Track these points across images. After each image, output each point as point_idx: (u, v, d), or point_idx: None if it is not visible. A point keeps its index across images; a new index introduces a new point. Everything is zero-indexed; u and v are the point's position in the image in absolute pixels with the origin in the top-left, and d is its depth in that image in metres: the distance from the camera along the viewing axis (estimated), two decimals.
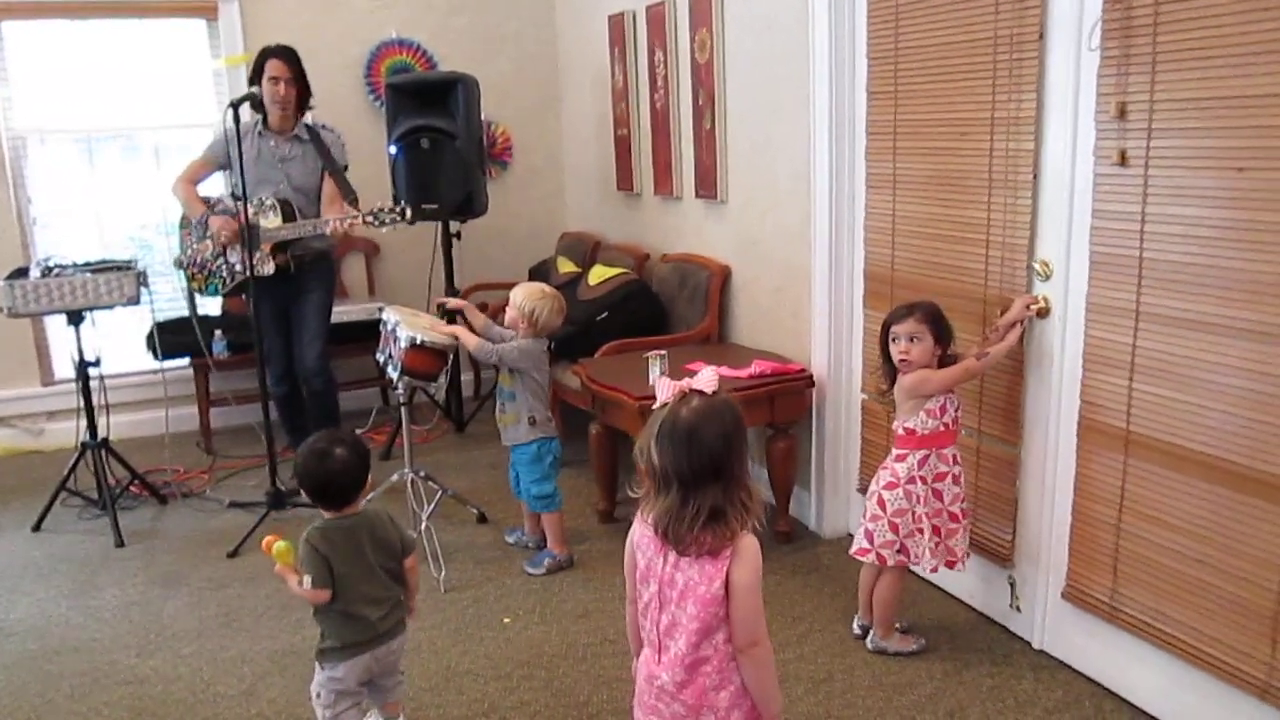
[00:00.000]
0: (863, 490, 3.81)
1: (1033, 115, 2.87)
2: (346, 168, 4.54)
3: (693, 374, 2.01)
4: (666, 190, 4.95)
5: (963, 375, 3.00)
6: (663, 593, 1.97)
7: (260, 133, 4.41)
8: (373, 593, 2.50)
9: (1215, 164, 2.40)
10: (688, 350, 4.22)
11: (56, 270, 4.13)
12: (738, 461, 1.91)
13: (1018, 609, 3.19)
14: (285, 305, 4.51)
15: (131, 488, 4.57)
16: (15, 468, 5.21)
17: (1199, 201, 2.45)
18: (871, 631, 3.16)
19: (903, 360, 2.96)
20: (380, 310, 4.02)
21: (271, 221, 4.23)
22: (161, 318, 5.01)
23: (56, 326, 5.20)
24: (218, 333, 4.92)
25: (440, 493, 4.04)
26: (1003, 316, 2.99)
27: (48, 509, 4.37)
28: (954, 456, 3.02)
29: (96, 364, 4.28)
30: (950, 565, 3.07)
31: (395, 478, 3.98)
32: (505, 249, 6.02)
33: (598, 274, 4.91)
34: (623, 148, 5.36)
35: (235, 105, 3.98)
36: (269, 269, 4.24)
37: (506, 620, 3.44)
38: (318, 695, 2.52)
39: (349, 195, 4.43)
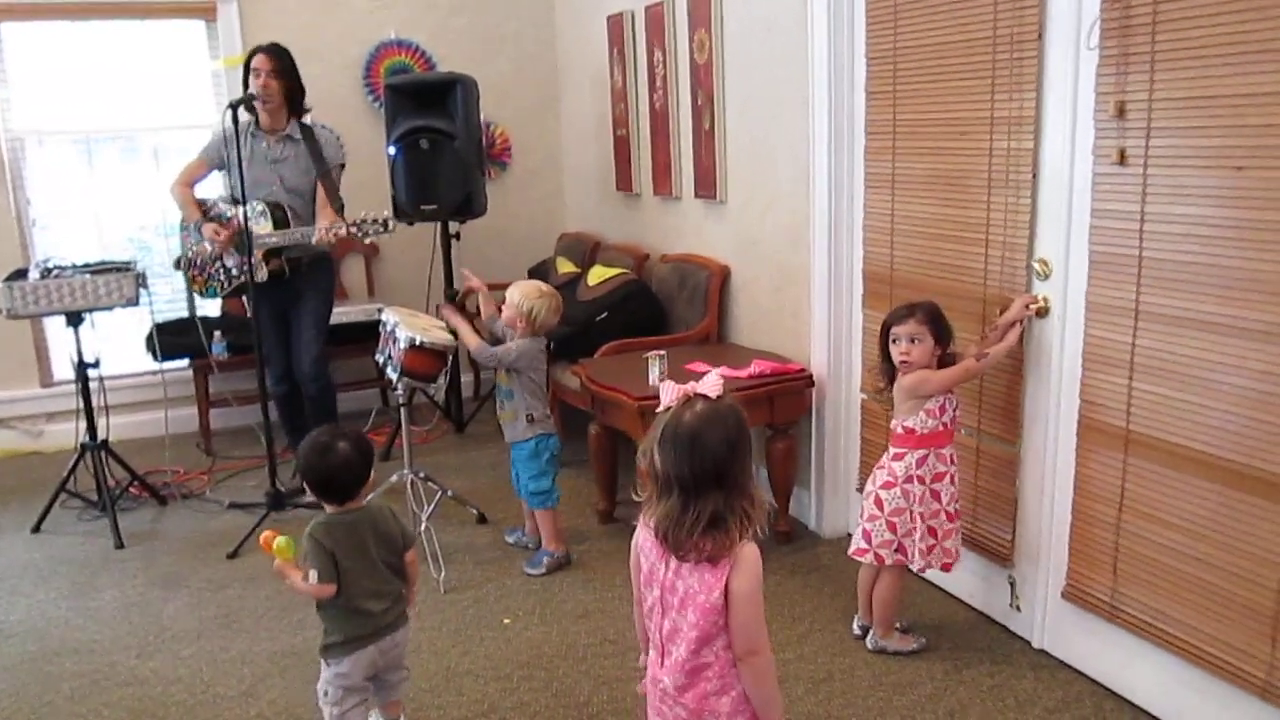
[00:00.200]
0: (862, 490, 3.81)
1: (1032, 114, 2.88)
2: (343, 167, 4.53)
3: (693, 374, 2.01)
4: (666, 190, 4.95)
5: (963, 376, 3.00)
6: (664, 598, 1.97)
7: (253, 133, 4.39)
8: (376, 587, 2.50)
9: (1214, 163, 2.40)
10: (687, 350, 4.22)
11: (55, 272, 4.13)
12: (740, 468, 1.89)
13: (1018, 608, 3.19)
14: (284, 306, 4.51)
15: (131, 489, 4.57)
16: (15, 469, 5.21)
17: (1198, 200, 2.45)
18: (871, 631, 3.16)
19: (903, 361, 2.96)
20: (380, 311, 4.02)
21: (262, 228, 4.21)
22: (160, 319, 5.01)
23: (56, 328, 5.21)
24: (217, 334, 4.93)
25: (440, 493, 4.04)
26: (1002, 316, 2.99)
27: (47, 510, 4.37)
28: (951, 456, 3.02)
29: (96, 365, 4.28)
30: (947, 568, 3.07)
31: (395, 478, 3.98)
32: (504, 249, 6.02)
33: (597, 274, 4.91)
34: (622, 148, 5.36)
35: (234, 106, 3.98)
36: (262, 275, 4.23)
37: (506, 621, 3.44)
38: (325, 693, 2.52)
39: (335, 201, 4.38)
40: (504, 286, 3.85)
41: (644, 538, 2.01)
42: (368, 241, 4.25)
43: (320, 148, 4.41)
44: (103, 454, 4.36)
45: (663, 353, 3.77)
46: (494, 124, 5.99)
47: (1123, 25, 2.56)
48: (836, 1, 3.57)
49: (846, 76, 3.62)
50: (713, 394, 1.91)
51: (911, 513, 2.99)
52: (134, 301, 4.21)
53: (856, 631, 3.23)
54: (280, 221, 4.29)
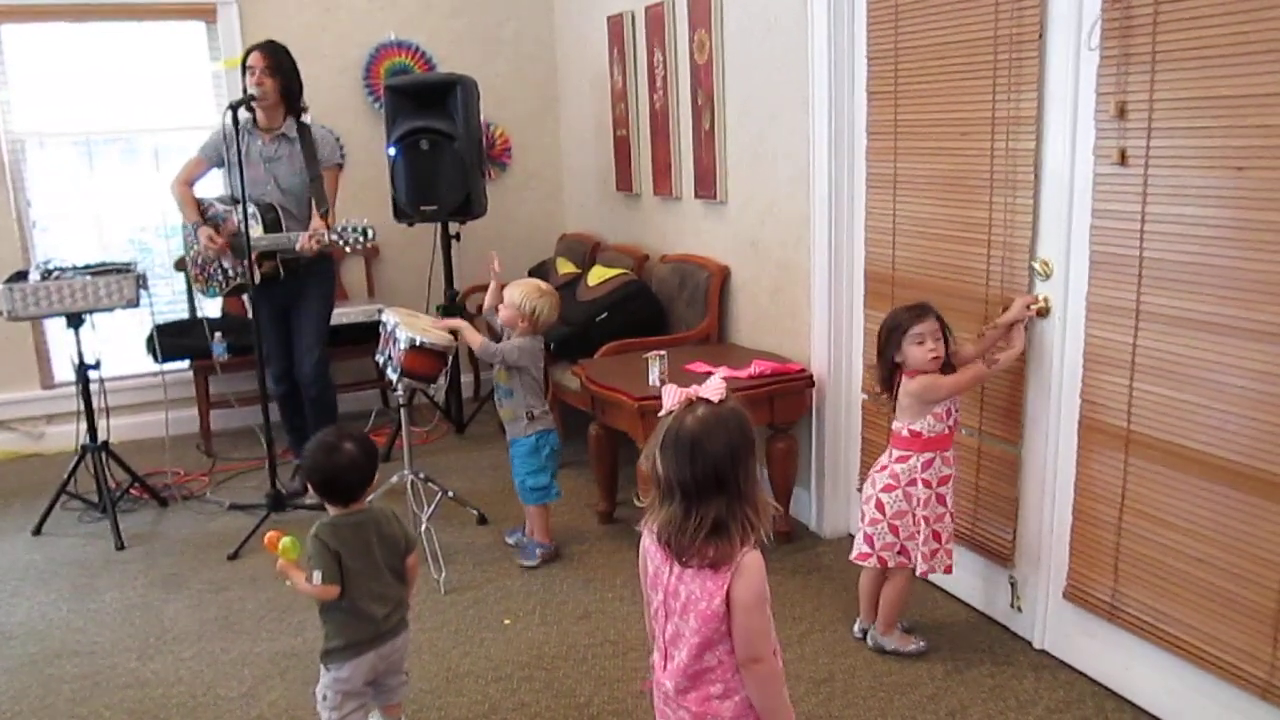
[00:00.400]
0: (861, 490, 3.82)
1: (1033, 114, 2.87)
2: (341, 167, 4.51)
3: (693, 374, 2.00)
4: (666, 191, 4.95)
5: (972, 381, 2.99)
6: (668, 603, 1.96)
7: (250, 131, 4.38)
8: (379, 590, 2.50)
9: (1215, 163, 2.40)
10: (687, 350, 4.22)
11: (56, 273, 4.13)
12: (743, 474, 1.87)
13: (1019, 609, 3.19)
14: (285, 306, 4.50)
15: (132, 490, 4.57)
16: (15, 471, 5.21)
17: (1199, 201, 2.45)
18: (873, 628, 3.16)
19: (934, 359, 2.94)
20: (380, 312, 4.02)
21: (254, 230, 4.20)
22: (161, 320, 5.01)
23: (56, 329, 5.21)
24: (218, 334, 4.92)
25: (440, 494, 4.04)
26: (1002, 315, 2.99)
27: (48, 512, 4.37)
28: (952, 458, 3.02)
29: (96, 366, 4.28)
30: (948, 570, 3.07)
31: (395, 479, 3.98)
32: (504, 250, 5.92)
33: (597, 275, 4.91)
34: (622, 148, 5.36)
35: (234, 107, 3.98)
36: (255, 277, 4.21)
37: (507, 621, 3.43)
38: (323, 698, 2.51)
39: (321, 206, 4.37)
40: (503, 288, 3.85)
41: (650, 541, 2.00)
42: (349, 250, 4.20)
43: (315, 148, 4.40)
44: (103, 455, 4.36)
45: (663, 353, 3.77)
46: (494, 124, 5.99)
47: (1124, 26, 2.56)
48: (836, 1, 3.57)
49: (847, 76, 3.62)
50: (715, 398, 1.89)
51: (914, 515, 2.98)
52: (134, 303, 4.21)
53: (857, 634, 3.23)
54: (271, 224, 4.26)
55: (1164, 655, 2.69)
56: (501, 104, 5.93)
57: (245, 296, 4.45)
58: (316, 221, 4.32)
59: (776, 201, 4.07)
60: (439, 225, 5.28)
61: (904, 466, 2.98)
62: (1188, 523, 2.58)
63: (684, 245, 4.87)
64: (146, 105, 5.48)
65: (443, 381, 3.93)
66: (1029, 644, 3.13)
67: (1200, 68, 2.40)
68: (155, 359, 4.90)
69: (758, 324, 4.32)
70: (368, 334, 4.75)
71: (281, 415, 4.68)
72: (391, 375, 3.76)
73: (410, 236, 5.58)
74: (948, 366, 2.98)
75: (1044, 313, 2.94)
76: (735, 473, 1.85)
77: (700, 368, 3.84)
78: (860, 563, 3.08)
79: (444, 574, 3.69)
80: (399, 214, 5.17)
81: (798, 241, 3.94)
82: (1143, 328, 2.63)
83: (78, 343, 4.20)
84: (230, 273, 4.37)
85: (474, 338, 3.74)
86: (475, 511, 4.27)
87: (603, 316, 4.61)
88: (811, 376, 3.88)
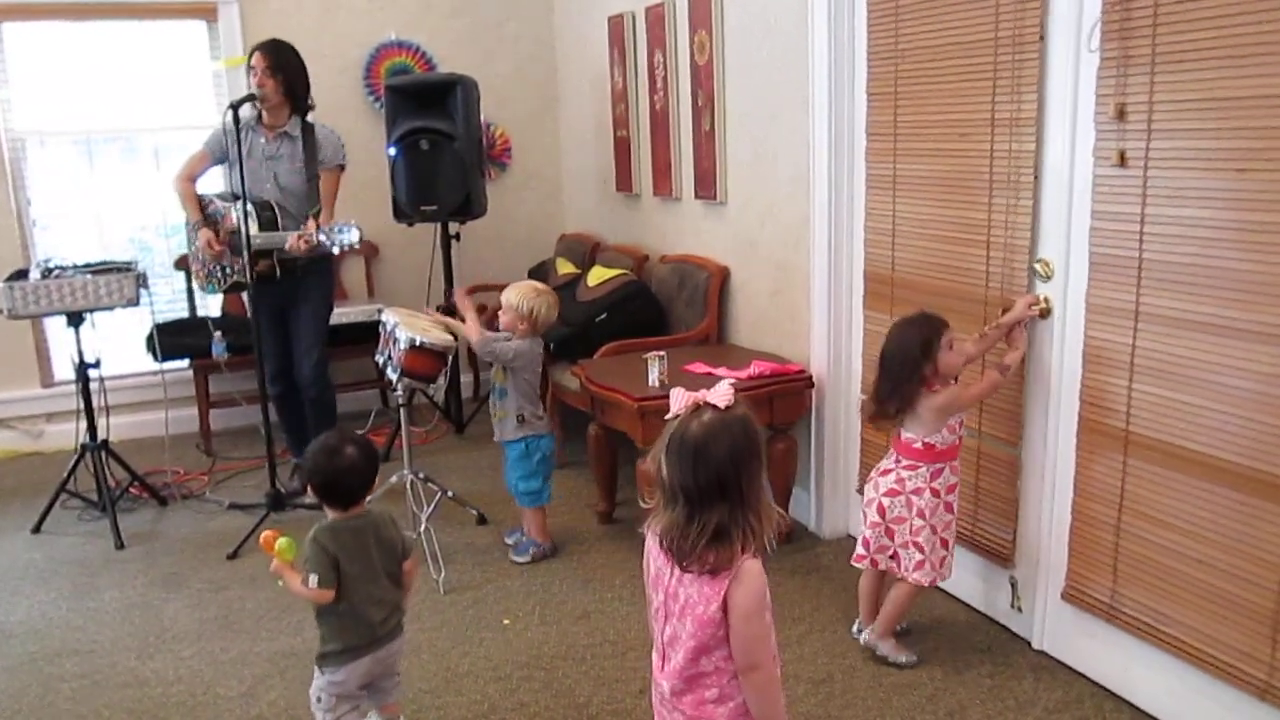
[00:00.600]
0: (862, 491, 3.81)
1: (1033, 116, 2.88)
2: (343, 168, 4.51)
3: (692, 375, 2.00)
4: (666, 191, 4.95)
5: (990, 390, 2.99)
6: (667, 604, 1.96)
7: (253, 128, 4.39)
8: (376, 594, 2.50)
9: (1215, 165, 2.41)
10: (687, 351, 4.22)
11: (56, 272, 4.13)
12: (747, 481, 1.85)
13: (1019, 609, 3.19)
14: (283, 306, 4.49)
15: (131, 489, 4.57)
16: (15, 470, 5.21)
17: (1198, 202, 2.45)
18: (869, 629, 3.14)
19: (965, 360, 2.94)
20: (379, 312, 4.02)
21: (250, 228, 4.19)
22: (161, 319, 5.01)
23: (56, 328, 5.21)
24: (218, 334, 4.92)
25: (440, 494, 4.05)
26: (1004, 316, 2.99)
27: (47, 511, 4.37)
28: (959, 465, 3.02)
29: (96, 365, 4.28)
30: (943, 578, 3.06)
31: (394, 479, 3.98)
32: (504, 250, 6.02)
33: (597, 275, 4.91)
34: (622, 149, 5.36)
35: (235, 106, 3.98)
36: (250, 275, 4.20)
37: (506, 622, 3.44)
38: (318, 699, 2.52)
39: (312, 206, 4.36)
40: (503, 288, 3.86)
41: (653, 542, 1.99)
42: (337, 252, 4.19)
43: (317, 148, 4.40)
44: (103, 454, 4.36)
45: (662, 353, 3.77)
46: (494, 125, 6.00)
47: (1123, 27, 2.57)
48: (837, 2, 3.57)
49: (847, 78, 3.63)
50: (721, 403, 1.87)
51: (913, 525, 2.96)
52: (135, 302, 4.21)
53: (855, 634, 3.23)
54: (268, 222, 4.25)
55: (1163, 656, 2.69)
56: (502, 104, 5.94)
57: (245, 295, 4.45)
58: (325, 217, 4.32)
59: (776, 202, 4.07)
60: (439, 225, 5.28)
61: (911, 474, 2.96)
62: (1187, 524, 2.58)
63: (684, 246, 4.87)
64: (147, 104, 5.48)
65: (442, 382, 3.93)
66: (1028, 644, 3.14)
67: (1200, 69, 2.41)
68: (155, 358, 4.90)
69: (757, 325, 4.33)
70: (367, 334, 4.75)
71: (278, 415, 4.67)
72: (391, 375, 3.77)
73: (410, 236, 5.58)
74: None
75: (1046, 313, 2.94)
76: (739, 480, 1.84)
77: (700, 368, 3.84)
78: (858, 564, 3.09)
79: (443, 574, 3.69)
80: (399, 214, 5.17)
81: (797, 242, 3.95)
82: (1142, 329, 2.64)
83: (78, 341, 4.20)
84: (228, 270, 4.37)
85: (472, 332, 3.75)
86: (475, 511, 4.27)
87: (602, 317, 4.61)
88: (811, 377, 3.88)
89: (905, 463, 2.98)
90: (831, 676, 3.03)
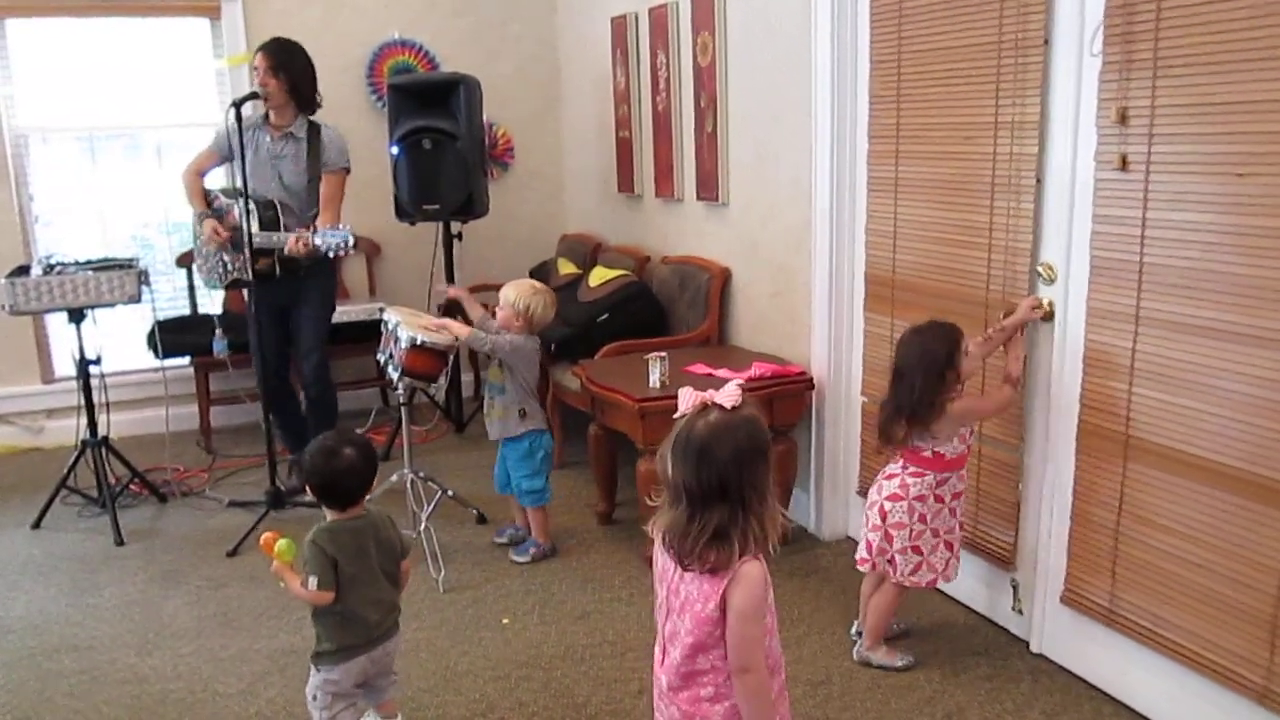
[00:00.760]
0: (862, 493, 3.82)
1: (1036, 119, 2.88)
2: (348, 171, 4.50)
3: (693, 376, 2.01)
4: (667, 192, 4.95)
5: (1006, 404, 3.00)
6: (670, 600, 1.97)
7: (260, 127, 4.40)
8: (375, 595, 2.51)
9: (1216, 169, 2.41)
10: (688, 352, 4.22)
11: (58, 268, 4.13)
12: (749, 484, 1.85)
13: (1020, 611, 3.19)
14: (284, 305, 4.49)
15: (131, 486, 4.58)
16: (15, 466, 5.22)
17: (1199, 206, 2.46)
18: (859, 641, 3.14)
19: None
20: (381, 310, 4.02)
21: (251, 226, 4.19)
22: (162, 316, 5.01)
23: (57, 324, 5.21)
24: (218, 331, 4.92)
25: (439, 493, 4.05)
26: (1007, 319, 2.99)
27: (47, 507, 4.38)
28: (965, 473, 3.02)
29: (97, 362, 4.28)
30: (949, 578, 3.07)
31: (395, 478, 3.98)
32: (506, 250, 6.02)
33: (598, 275, 4.92)
34: (624, 150, 5.36)
35: (237, 105, 3.99)
36: (249, 272, 4.20)
37: (505, 621, 3.44)
38: (314, 698, 2.52)
39: (312, 208, 4.38)
40: (500, 288, 3.86)
41: (659, 538, 2.01)
42: (331, 255, 4.18)
43: (321, 149, 4.40)
44: (103, 451, 4.36)
45: (663, 354, 3.78)
46: (496, 124, 6.00)
47: (1126, 32, 2.57)
48: (840, 5, 3.58)
49: (849, 80, 3.63)
50: (728, 404, 1.87)
51: (913, 530, 2.95)
52: (136, 299, 4.21)
53: (854, 636, 3.23)
54: (269, 221, 4.25)
55: (1161, 660, 2.70)
56: (504, 104, 5.94)
57: (245, 292, 4.45)
58: (329, 218, 4.32)
59: (778, 204, 4.08)
60: (441, 224, 5.29)
61: (917, 481, 2.94)
62: (1186, 528, 2.58)
63: (685, 247, 4.87)
64: (150, 101, 5.48)
65: (443, 381, 3.94)
66: (1026, 647, 3.14)
67: (1202, 74, 2.41)
68: (156, 355, 4.90)
69: (758, 326, 4.33)
70: (369, 332, 4.75)
71: (271, 413, 4.62)
72: (392, 374, 3.77)
73: (412, 235, 5.59)
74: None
75: (1048, 316, 2.95)
76: (741, 481, 1.84)
77: (700, 370, 3.84)
78: (861, 568, 3.09)
79: (443, 573, 3.69)
80: (401, 213, 5.17)
81: (799, 244, 3.95)
82: (1143, 333, 2.64)
83: (79, 338, 4.21)
84: (229, 266, 4.38)
85: (462, 329, 3.75)
86: (475, 511, 4.27)
87: (603, 317, 4.62)
88: (811, 379, 3.88)
89: (912, 469, 2.96)
90: (830, 678, 3.04)
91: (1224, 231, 2.41)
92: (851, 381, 3.85)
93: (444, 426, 5.57)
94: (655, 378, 3.70)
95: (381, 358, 3.88)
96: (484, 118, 5.26)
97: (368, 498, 2.56)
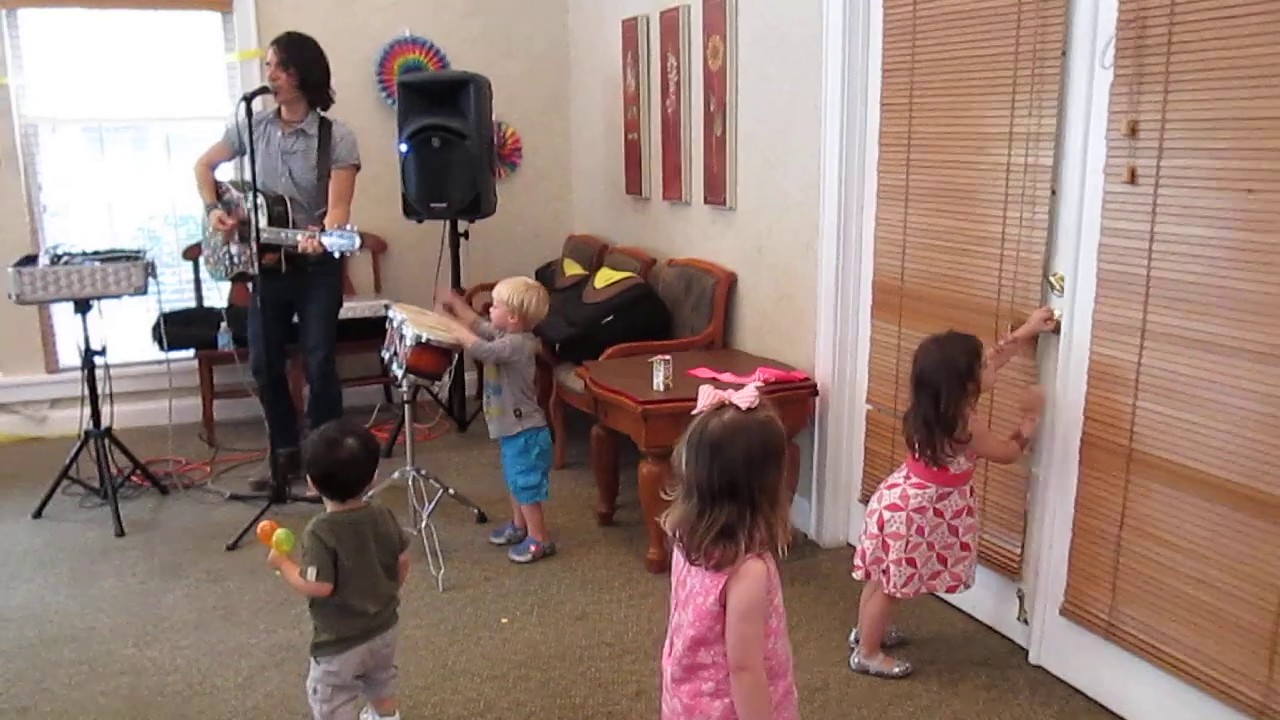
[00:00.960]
0: (864, 501, 3.81)
1: (1053, 131, 2.87)
2: (358, 168, 4.51)
3: (697, 380, 2.03)
4: (675, 195, 4.96)
5: (1012, 458, 3.00)
6: (677, 591, 1.99)
7: (271, 121, 4.41)
8: (372, 587, 2.51)
9: (1225, 184, 2.41)
10: (691, 356, 4.22)
11: (65, 258, 4.14)
12: (759, 486, 1.87)
13: (1025, 621, 3.17)
14: (289, 300, 4.50)
15: (133, 478, 4.59)
16: (17, 455, 5.22)
17: (1208, 221, 2.46)
18: (855, 650, 3.14)
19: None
20: (387, 308, 4.03)
21: (260, 221, 4.19)
22: (168, 309, 5.02)
23: (63, 314, 5.22)
24: (223, 325, 4.93)
25: (440, 491, 4.05)
26: (1018, 330, 2.98)
27: (49, 497, 4.38)
28: (971, 489, 3.00)
29: (102, 353, 4.28)
30: (951, 590, 3.04)
31: (396, 475, 3.98)
32: (512, 250, 6.03)
33: (604, 277, 4.92)
34: (632, 152, 5.37)
35: (248, 99, 3.99)
36: (255, 266, 4.20)
37: (504, 620, 3.44)
38: (314, 690, 2.53)
39: (320, 206, 4.39)
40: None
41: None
42: (337, 256, 4.18)
43: (331, 146, 4.40)
44: (106, 442, 4.36)
45: (667, 357, 3.78)
46: (504, 124, 6.00)
47: (1138, 45, 2.57)
48: (851, 14, 3.58)
49: (860, 88, 3.63)
50: (743, 404, 1.90)
51: (910, 542, 2.94)
52: (143, 290, 4.22)
53: (853, 643, 3.23)
54: (279, 216, 4.26)
55: (1160, 674, 2.69)
56: (513, 103, 5.94)
57: (251, 284, 4.45)
58: (338, 216, 4.33)
59: (786, 210, 4.08)
60: (448, 223, 5.29)
61: (918, 493, 2.92)
62: (1187, 542, 2.58)
63: (691, 250, 4.87)
64: (160, 94, 5.49)
65: (447, 379, 3.94)
66: (1025, 658, 3.13)
67: (1213, 89, 2.41)
68: (161, 347, 4.90)
69: (763, 331, 4.33)
70: (374, 329, 4.75)
71: (262, 406, 4.62)
72: (396, 371, 3.78)
73: (419, 233, 5.60)
74: None
75: (1056, 328, 2.94)
76: (750, 483, 1.86)
77: (704, 373, 3.84)
78: (855, 575, 3.08)
79: (442, 571, 3.69)
80: (408, 210, 5.18)
81: (805, 250, 3.95)
82: (1148, 347, 2.64)
83: (85, 328, 4.21)
84: (236, 259, 4.38)
85: (468, 337, 3.75)
86: (475, 510, 4.27)
87: (608, 319, 4.62)
88: (815, 385, 3.88)
89: (914, 480, 2.94)
90: (828, 685, 3.03)
91: (1232, 247, 2.41)
92: (856, 388, 3.85)
93: (446, 425, 5.57)
94: (659, 380, 3.70)
95: (386, 355, 3.89)
96: (493, 117, 5.26)
97: (370, 493, 2.56)
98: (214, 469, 4.91)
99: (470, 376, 5.86)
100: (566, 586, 3.68)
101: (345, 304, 4.89)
